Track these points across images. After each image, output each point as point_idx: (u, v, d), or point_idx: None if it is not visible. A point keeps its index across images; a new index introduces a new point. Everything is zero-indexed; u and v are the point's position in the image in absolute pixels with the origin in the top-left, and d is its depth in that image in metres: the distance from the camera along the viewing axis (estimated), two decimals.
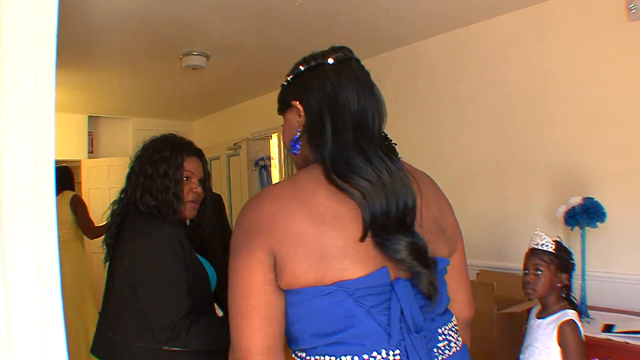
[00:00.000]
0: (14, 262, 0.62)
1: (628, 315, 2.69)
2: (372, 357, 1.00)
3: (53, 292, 0.66)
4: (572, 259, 2.15)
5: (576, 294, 2.82)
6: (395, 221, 1.02)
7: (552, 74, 3.23)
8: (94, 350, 1.86)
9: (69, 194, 4.67)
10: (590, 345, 2.38)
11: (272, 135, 5.91)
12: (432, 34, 3.94)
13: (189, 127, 7.33)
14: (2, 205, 0.61)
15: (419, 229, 1.07)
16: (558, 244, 2.12)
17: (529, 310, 2.27)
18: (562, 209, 2.76)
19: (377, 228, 1.01)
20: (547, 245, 2.07)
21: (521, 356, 2.10)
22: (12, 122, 0.62)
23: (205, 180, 1.96)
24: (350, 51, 1.22)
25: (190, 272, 1.73)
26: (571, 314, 2.00)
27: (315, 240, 0.99)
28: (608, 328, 2.48)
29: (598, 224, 2.67)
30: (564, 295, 2.12)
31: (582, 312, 2.67)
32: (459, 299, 1.30)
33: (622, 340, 2.33)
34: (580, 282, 2.73)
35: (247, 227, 1.06)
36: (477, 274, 3.33)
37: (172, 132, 1.96)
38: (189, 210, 1.88)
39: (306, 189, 1.06)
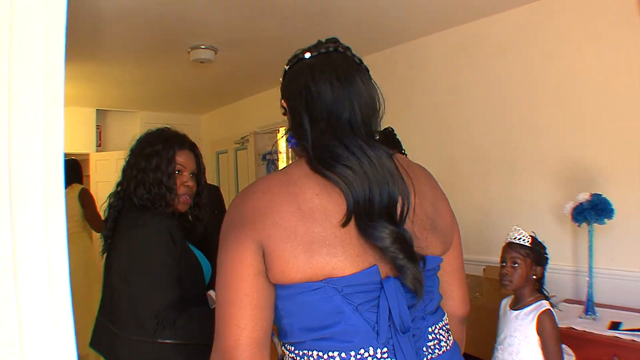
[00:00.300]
0: (23, 254, 0.62)
1: (635, 313, 2.68)
2: (359, 354, 1.00)
3: (62, 284, 0.66)
4: (546, 253, 2.24)
5: (583, 290, 2.82)
6: (379, 210, 1.01)
7: (557, 70, 3.21)
8: (92, 344, 1.89)
9: (77, 187, 4.70)
10: (596, 343, 2.38)
11: (280, 129, 5.92)
12: (432, 30, 3.95)
13: (196, 120, 7.34)
14: (12, 198, 0.62)
15: (410, 224, 1.06)
16: (534, 238, 2.22)
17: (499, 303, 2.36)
18: (570, 205, 2.74)
19: (361, 215, 1.00)
20: (524, 240, 2.18)
21: (499, 347, 2.16)
22: (22, 116, 0.62)
23: (199, 174, 1.98)
24: (335, 41, 1.21)
25: (183, 264, 1.75)
26: (547, 305, 2.09)
27: (304, 237, 0.99)
28: (615, 326, 2.48)
29: (606, 220, 2.65)
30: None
31: (589, 309, 2.67)
32: (453, 295, 1.29)
33: (629, 338, 2.32)
34: (587, 279, 2.73)
35: (238, 217, 1.06)
36: (484, 269, 3.32)
37: (167, 126, 1.98)
38: (182, 204, 1.90)
39: (297, 182, 1.05)
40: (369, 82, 1.17)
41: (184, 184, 1.89)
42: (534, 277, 2.17)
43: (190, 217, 2.01)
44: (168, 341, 1.64)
